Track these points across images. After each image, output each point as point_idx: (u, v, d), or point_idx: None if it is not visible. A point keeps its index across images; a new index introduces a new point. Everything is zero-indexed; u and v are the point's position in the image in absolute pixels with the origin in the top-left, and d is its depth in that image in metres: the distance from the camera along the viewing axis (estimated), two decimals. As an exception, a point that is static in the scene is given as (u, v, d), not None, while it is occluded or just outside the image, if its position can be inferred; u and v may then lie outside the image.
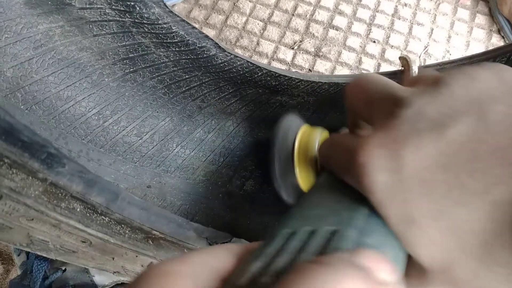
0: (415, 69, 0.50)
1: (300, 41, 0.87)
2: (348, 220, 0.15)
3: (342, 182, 0.18)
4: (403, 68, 0.52)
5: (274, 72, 0.49)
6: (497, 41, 0.95)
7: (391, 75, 0.52)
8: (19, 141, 0.25)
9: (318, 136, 0.34)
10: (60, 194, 0.29)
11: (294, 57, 0.86)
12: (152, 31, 0.45)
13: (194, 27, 0.45)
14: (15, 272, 0.66)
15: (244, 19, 0.89)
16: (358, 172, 0.15)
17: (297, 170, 0.34)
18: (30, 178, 0.28)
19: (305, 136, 0.35)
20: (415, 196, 0.14)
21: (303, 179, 0.34)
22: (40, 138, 0.27)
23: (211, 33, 0.86)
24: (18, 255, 0.50)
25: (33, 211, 0.30)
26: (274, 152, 0.36)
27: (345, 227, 0.15)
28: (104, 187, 0.31)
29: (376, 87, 0.17)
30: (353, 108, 0.19)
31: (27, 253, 0.49)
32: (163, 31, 0.44)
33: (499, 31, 0.96)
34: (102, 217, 0.32)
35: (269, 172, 0.37)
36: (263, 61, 0.84)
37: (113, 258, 0.37)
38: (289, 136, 0.35)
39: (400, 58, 0.53)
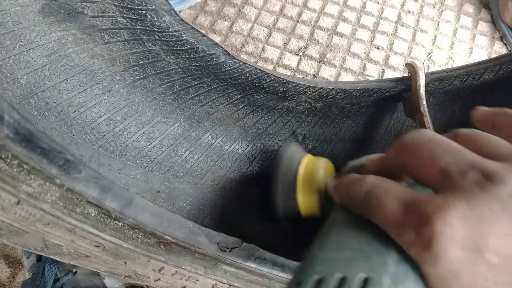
0: (421, 76, 0.50)
1: (305, 47, 0.88)
2: (380, 266, 0.15)
3: (363, 219, 0.17)
4: (409, 75, 0.53)
5: (282, 78, 0.50)
6: (499, 48, 0.96)
7: (398, 81, 0.52)
8: (38, 147, 0.26)
9: (323, 166, 0.34)
10: (76, 200, 0.30)
11: (299, 63, 0.87)
12: (163, 38, 0.45)
13: (204, 35, 0.45)
14: (22, 276, 0.67)
15: (250, 25, 0.90)
16: (429, 239, 0.14)
17: (300, 199, 0.34)
18: (48, 183, 0.28)
19: (309, 165, 0.34)
20: (489, 285, 0.13)
21: (305, 207, 0.34)
22: (58, 145, 0.27)
23: (217, 39, 0.87)
24: (28, 258, 0.51)
25: (49, 216, 0.30)
26: (277, 180, 0.36)
27: (378, 274, 0.14)
28: (118, 192, 0.31)
29: (450, 152, 0.16)
30: (413, 170, 0.17)
31: (37, 256, 0.50)
32: (174, 39, 0.45)
33: (501, 38, 0.97)
34: (116, 222, 0.33)
35: (272, 198, 0.37)
36: (269, 67, 0.85)
37: (125, 263, 0.38)
38: (292, 164, 0.35)
39: (406, 64, 0.53)
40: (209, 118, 0.57)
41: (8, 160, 0.25)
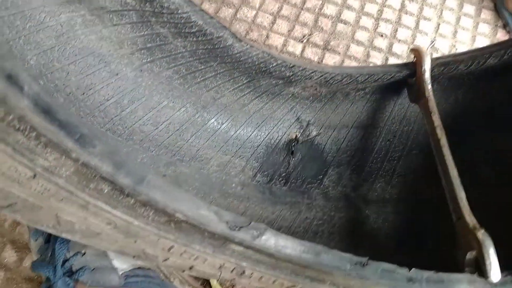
0: (427, 60, 0.50)
1: (309, 35, 0.88)
2: None
3: None
4: (415, 60, 0.53)
5: (288, 62, 0.50)
6: (502, 36, 0.96)
7: (403, 66, 0.53)
8: (56, 120, 0.26)
9: None
10: (90, 175, 0.30)
11: (303, 50, 0.87)
12: (171, 20, 0.45)
13: (212, 17, 0.45)
14: (29, 260, 0.67)
15: (254, 12, 0.90)
16: None
17: None
18: (63, 157, 0.28)
19: None
20: None
21: None
22: (75, 119, 0.28)
23: (220, 27, 0.87)
24: (36, 240, 0.51)
25: (63, 191, 0.31)
26: None
27: None
28: (131, 169, 0.31)
29: None
30: None
31: (45, 238, 0.50)
32: (182, 21, 0.45)
33: (504, 26, 0.97)
34: (128, 198, 0.33)
35: None
36: (272, 55, 0.85)
37: (135, 241, 0.38)
38: None
39: (411, 50, 0.54)
40: (215, 104, 0.57)
41: (26, 132, 0.25)
